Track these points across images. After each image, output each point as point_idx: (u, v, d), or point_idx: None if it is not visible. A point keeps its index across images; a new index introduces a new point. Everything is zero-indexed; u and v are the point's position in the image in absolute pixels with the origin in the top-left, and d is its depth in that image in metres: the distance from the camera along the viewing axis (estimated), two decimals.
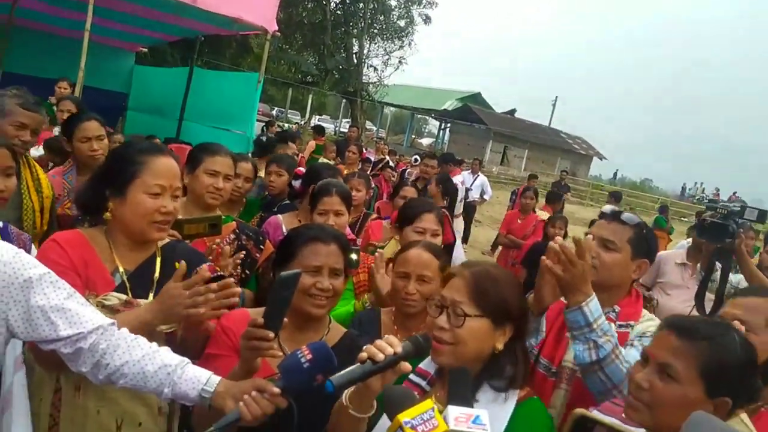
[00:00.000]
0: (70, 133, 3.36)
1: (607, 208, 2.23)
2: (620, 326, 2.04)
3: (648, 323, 2.06)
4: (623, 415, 1.44)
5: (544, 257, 1.82)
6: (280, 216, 3.48)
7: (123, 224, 1.86)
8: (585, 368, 1.84)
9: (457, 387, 1.37)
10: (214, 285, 1.66)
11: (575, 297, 1.79)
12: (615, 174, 53.52)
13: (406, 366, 1.38)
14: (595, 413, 1.57)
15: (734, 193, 40.44)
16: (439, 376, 1.64)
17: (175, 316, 1.69)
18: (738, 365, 1.35)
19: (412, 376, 1.63)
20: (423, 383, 1.63)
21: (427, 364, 1.66)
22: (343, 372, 1.34)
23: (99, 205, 1.88)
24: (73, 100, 5.52)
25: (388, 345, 1.37)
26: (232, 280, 1.71)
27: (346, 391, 1.45)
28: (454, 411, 1.24)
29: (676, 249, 5.59)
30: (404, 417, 1.19)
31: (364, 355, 1.36)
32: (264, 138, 6.65)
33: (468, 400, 1.34)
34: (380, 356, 1.35)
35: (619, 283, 2.10)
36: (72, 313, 1.47)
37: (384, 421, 1.55)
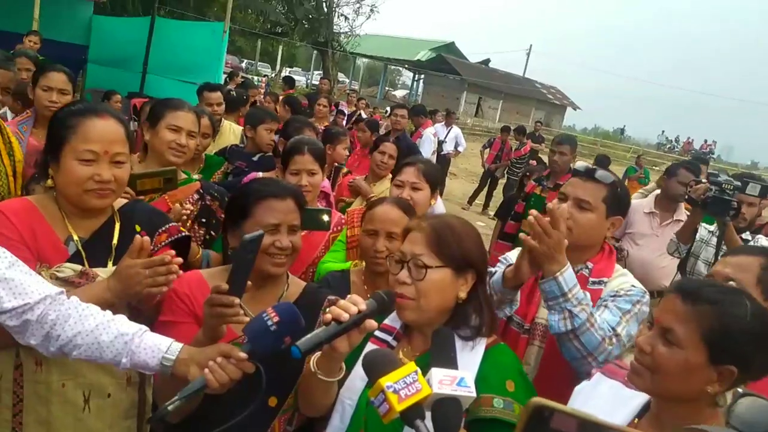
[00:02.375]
0: (35, 80, 3.25)
1: (581, 165, 2.16)
2: (593, 283, 2.03)
3: (621, 279, 2.06)
4: (625, 377, 1.41)
5: (522, 234, 1.81)
6: (260, 173, 3.37)
7: (61, 191, 1.74)
8: (560, 336, 1.85)
9: (441, 348, 1.33)
10: (174, 265, 1.59)
11: (550, 267, 1.79)
12: (623, 130, 52.29)
13: (372, 324, 1.36)
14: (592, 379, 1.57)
15: (705, 141, 41.08)
16: (405, 330, 1.64)
17: (135, 295, 1.61)
18: (745, 333, 1.25)
19: (378, 333, 1.62)
20: (389, 339, 1.63)
21: (392, 320, 1.65)
22: (308, 336, 1.30)
23: (46, 169, 1.78)
24: (31, 58, 5.25)
25: (352, 304, 1.35)
26: (168, 257, 1.61)
27: (313, 357, 1.43)
28: (437, 374, 1.21)
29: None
30: (386, 381, 1.16)
31: (328, 317, 1.33)
32: (233, 91, 6.43)
33: (452, 362, 1.31)
34: (345, 316, 1.33)
35: (594, 242, 2.09)
36: (15, 284, 1.38)
37: (352, 381, 1.55)
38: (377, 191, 3.88)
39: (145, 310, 1.79)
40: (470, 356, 1.50)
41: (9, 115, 4.74)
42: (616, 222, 2.07)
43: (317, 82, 19.68)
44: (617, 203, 2.06)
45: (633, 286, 2.03)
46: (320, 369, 1.43)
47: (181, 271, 1.63)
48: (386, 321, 1.65)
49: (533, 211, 1.78)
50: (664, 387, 1.31)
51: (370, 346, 1.56)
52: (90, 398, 1.74)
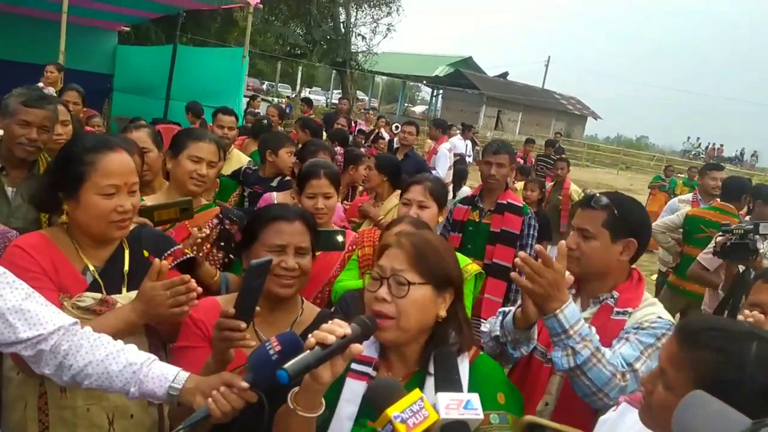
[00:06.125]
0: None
1: (584, 196, 2.17)
2: (617, 313, 1.98)
3: (647, 310, 1.98)
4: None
5: (513, 274, 1.77)
6: (274, 193, 3.45)
7: (81, 226, 1.80)
8: (568, 373, 1.81)
9: (445, 371, 1.33)
10: (193, 282, 1.63)
11: (550, 305, 1.74)
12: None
13: (358, 348, 1.29)
14: (612, 410, 1.52)
15: (717, 146, 40.46)
16: (383, 358, 1.55)
17: (160, 316, 1.66)
18: (744, 385, 1.12)
19: (355, 366, 1.50)
20: (369, 370, 1.52)
21: (368, 349, 1.52)
22: (295, 359, 1.23)
23: (54, 206, 1.83)
24: (78, 90, 5.51)
25: (337, 327, 1.29)
26: (188, 276, 1.65)
27: (290, 393, 1.35)
28: (443, 398, 1.20)
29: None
30: (393, 411, 1.15)
31: (312, 340, 1.25)
32: (265, 120, 6.53)
33: (456, 384, 1.30)
34: (330, 338, 1.25)
35: (607, 269, 2.02)
36: (31, 314, 1.43)
37: (339, 422, 1.45)
38: (386, 208, 3.87)
39: (163, 331, 1.84)
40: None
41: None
42: (629, 244, 1.99)
43: (337, 101, 19.95)
44: (621, 225, 1.99)
45: (659, 317, 1.94)
46: (299, 404, 1.32)
47: (200, 290, 1.67)
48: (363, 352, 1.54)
49: (521, 253, 1.76)
50: (665, 428, 1.20)
51: (350, 382, 1.48)
52: (114, 420, 1.78)
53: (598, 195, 2.05)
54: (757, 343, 1.16)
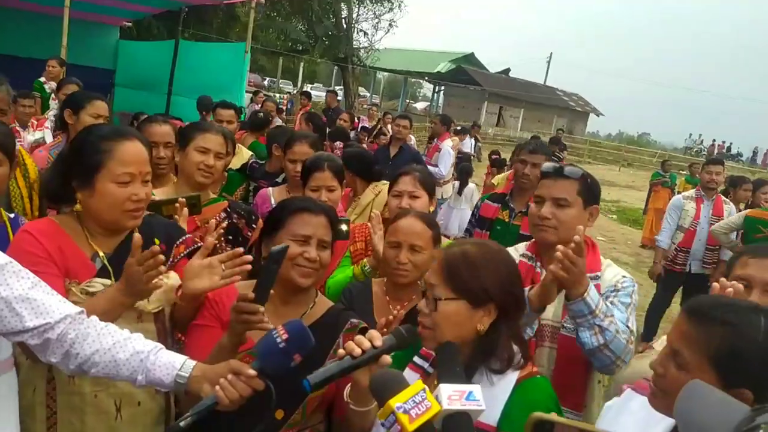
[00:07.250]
0: (79, 107, 3.38)
1: (548, 166, 2.23)
2: (590, 279, 2.01)
3: (611, 271, 2.16)
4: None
5: (552, 267, 1.81)
6: (270, 189, 3.45)
7: (94, 215, 1.81)
8: (592, 350, 1.89)
9: (446, 363, 1.33)
10: (161, 256, 1.62)
11: (577, 290, 1.84)
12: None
13: (387, 359, 1.36)
14: (619, 396, 1.55)
15: (718, 143, 40.37)
16: None
17: (141, 292, 1.68)
18: (757, 355, 1.17)
19: (416, 359, 1.63)
20: (426, 365, 1.62)
21: None
22: (320, 370, 1.31)
23: (67, 196, 1.83)
24: (77, 84, 5.52)
25: (368, 340, 1.35)
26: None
27: (346, 388, 1.46)
28: (446, 389, 1.20)
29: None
30: (396, 402, 1.16)
31: (342, 351, 1.33)
32: (261, 113, 6.54)
33: (459, 376, 1.31)
34: (357, 351, 1.32)
35: None
36: (38, 303, 1.43)
37: None
38: (362, 203, 3.76)
39: (181, 317, 1.87)
40: (498, 390, 1.46)
41: (48, 137, 4.92)
42: (593, 211, 2.17)
43: (339, 98, 19.96)
44: (591, 193, 2.17)
45: (624, 276, 2.14)
46: (352, 399, 1.44)
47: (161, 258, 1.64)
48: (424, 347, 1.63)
49: (560, 247, 1.80)
50: None
51: (408, 372, 1.55)
52: (121, 407, 1.80)
53: (569, 166, 2.20)
54: (764, 316, 1.21)
